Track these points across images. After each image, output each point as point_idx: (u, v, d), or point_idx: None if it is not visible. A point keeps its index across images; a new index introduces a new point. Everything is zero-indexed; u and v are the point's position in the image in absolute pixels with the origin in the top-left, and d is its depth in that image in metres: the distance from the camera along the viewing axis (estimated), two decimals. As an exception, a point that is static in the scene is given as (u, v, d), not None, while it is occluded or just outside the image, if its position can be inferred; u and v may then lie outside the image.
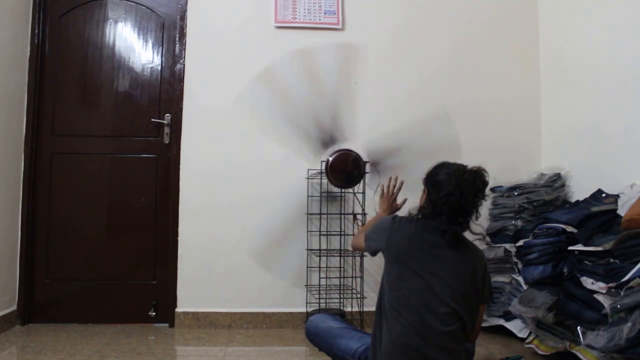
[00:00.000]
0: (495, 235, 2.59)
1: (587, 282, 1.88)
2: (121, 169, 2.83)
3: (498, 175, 2.59)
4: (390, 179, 2.25)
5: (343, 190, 2.71)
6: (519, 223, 2.46)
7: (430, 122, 2.77)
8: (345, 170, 2.54)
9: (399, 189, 2.25)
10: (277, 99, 2.77)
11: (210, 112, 2.77)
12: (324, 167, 2.60)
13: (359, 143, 2.66)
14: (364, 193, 2.65)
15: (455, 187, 1.55)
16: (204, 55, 2.81)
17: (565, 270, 2.04)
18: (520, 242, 2.33)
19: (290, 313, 2.73)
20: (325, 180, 2.66)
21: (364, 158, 2.56)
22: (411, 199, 2.00)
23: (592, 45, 2.45)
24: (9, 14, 2.63)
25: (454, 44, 2.90)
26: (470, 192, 1.56)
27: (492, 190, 2.68)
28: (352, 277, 2.72)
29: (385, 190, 2.23)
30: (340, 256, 2.74)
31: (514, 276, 2.46)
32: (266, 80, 2.78)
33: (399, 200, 2.25)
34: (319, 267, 2.71)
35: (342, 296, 2.71)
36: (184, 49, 2.81)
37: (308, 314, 2.60)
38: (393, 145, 2.71)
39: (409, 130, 2.72)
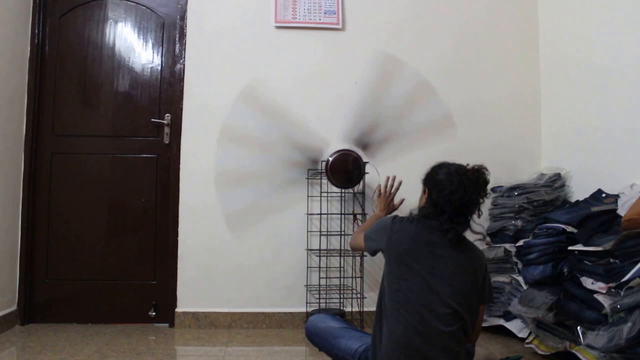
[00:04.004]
0: (495, 235, 2.59)
1: (587, 282, 1.88)
2: (121, 169, 2.83)
3: (498, 175, 2.60)
4: (388, 178, 2.27)
5: (343, 190, 2.71)
6: (519, 223, 2.46)
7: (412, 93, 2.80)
8: (346, 170, 2.55)
9: (397, 188, 2.26)
10: (275, 100, 2.77)
11: (210, 112, 2.77)
12: (324, 167, 2.60)
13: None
14: (364, 193, 2.65)
15: (458, 186, 1.56)
16: (204, 55, 2.81)
17: (565, 270, 2.04)
18: (520, 242, 2.33)
19: (290, 313, 2.73)
20: (325, 180, 2.67)
21: (356, 148, 2.58)
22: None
23: (592, 44, 2.45)
24: (9, 14, 2.63)
25: (454, 43, 2.90)
26: (473, 189, 1.57)
27: (492, 190, 2.68)
28: (352, 277, 2.72)
29: (382, 190, 2.24)
30: (340, 256, 2.74)
31: (514, 276, 2.46)
32: (264, 80, 2.78)
33: (396, 201, 2.26)
34: (319, 267, 2.71)
35: (342, 296, 2.71)
36: (184, 49, 2.81)
37: (308, 314, 2.60)
38: (372, 120, 2.76)
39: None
